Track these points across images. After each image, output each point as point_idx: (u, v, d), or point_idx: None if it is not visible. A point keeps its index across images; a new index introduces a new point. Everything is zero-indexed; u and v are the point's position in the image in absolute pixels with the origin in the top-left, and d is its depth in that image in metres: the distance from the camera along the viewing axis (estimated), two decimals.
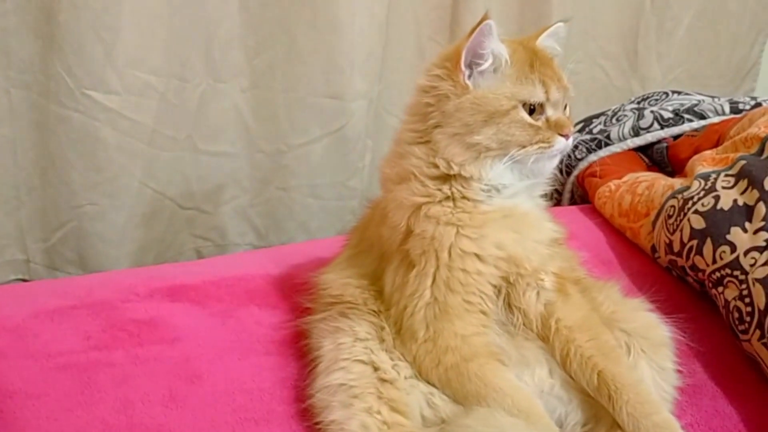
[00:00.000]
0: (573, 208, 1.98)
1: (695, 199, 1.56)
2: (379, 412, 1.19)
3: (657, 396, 1.27)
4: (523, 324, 1.29)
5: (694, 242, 1.52)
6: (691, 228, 1.53)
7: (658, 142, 2.02)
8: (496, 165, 1.24)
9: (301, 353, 1.32)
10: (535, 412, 1.20)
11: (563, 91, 1.27)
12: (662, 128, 2.00)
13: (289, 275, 1.49)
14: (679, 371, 1.35)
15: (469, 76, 1.24)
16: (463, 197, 1.25)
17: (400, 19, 2.32)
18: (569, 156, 2.07)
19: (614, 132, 2.03)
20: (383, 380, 1.22)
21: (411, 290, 1.25)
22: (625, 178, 1.86)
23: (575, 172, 2.06)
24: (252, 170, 2.30)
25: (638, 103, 2.08)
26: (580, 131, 2.09)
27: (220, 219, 2.31)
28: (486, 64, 1.23)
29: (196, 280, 1.50)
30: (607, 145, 2.03)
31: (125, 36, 2.04)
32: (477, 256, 1.24)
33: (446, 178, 1.25)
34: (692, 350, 1.43)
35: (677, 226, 1.57)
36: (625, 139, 2.02)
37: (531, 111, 1.24)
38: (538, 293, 1.29)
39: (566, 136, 1.25)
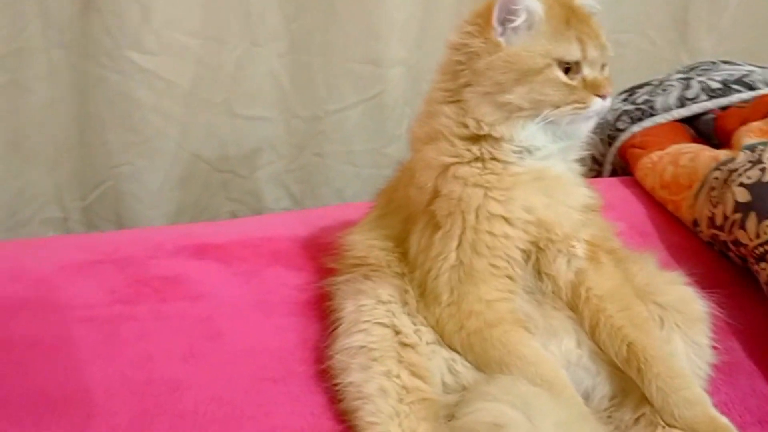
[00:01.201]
0: (613, 179, 1.93)
1: (740, 171, 1.50)
2: (398, 376, 1.16)
3: (690, 372, 1.22)
4: (553, 292, 1.26)
5: (738, 216, 1.46)
6: (735, 201, 1.48)
7: (705, 113, 1.95)
8: (528, 125, 1.20)
9: (323, 314, 1.29)
10: (559, 382, 1.17)
11: (601, 50, 1.22)
12: (709, 99, 1.93)
13: (317, 237, 1.47)
14: (715, 348, 1.29)
15: (502, 33, 1.19)
16: (493, 158, 1.21)
17: None
18: (611, 126, 2.01)
19: (659, 102, 1.97)
20: (404, 344, 1.20)
21: (436, 252, 1.22)
22: (668, 150, 1.81)
23: (617, 143, 2.00)
24: (288, 135, 2.28)
25: (685, 72, 2.02)
26: (623, 101, 2.03)
27: (256, 183, 2.31)
28: (519, 21, 1.18)
29: (223, 239, 1.49)
30: (651, 115, 1.97)
31: None
32: (505, 218, 1.20)
33: (476, 138, 1.22)
34: (730, 327, 1.38)
35: (721, 198, 1.52)
36: (670, 109, 1.96)
37: (566, 70, 1.20)
38: (569, 260, 1.24)
39: (603, 97, 1.20)
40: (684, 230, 1.68)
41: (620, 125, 2.00)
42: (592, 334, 1.23)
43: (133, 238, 1.52)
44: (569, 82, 1.19)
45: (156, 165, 2.17)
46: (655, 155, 1.83)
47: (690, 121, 1.98)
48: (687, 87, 1.96)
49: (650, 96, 2.00)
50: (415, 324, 1.23)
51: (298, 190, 2.36)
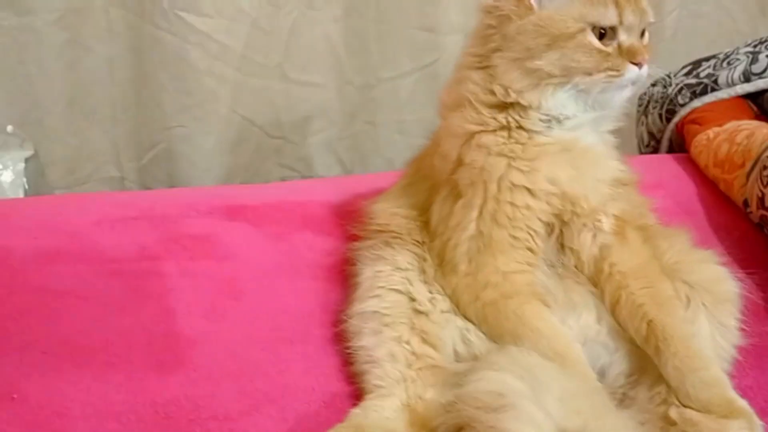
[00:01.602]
0: (667, 156, 1.88)
1: None
2: (408, 342, 1.17)
3: (712, 353, 1.20)
4: (575, 266, 1.23)
5: None
6: None
7: None
8: (558, 93, 1.17)
9: (345, 279, 1.31)
10: (572, 357, 1.15)
11: (640, 15, 1.17)
12: None
13: (349, 204, 1.47)
14: (743, 330, 1.25)
15: None
16: (520, 127, 1.19)
17: None
18: (671, 101, 1.95)
19: (723, 76, 1.89)
20: (418, 311, 1.20)
21: (456, 221, 1.21)
22: (725, 126, 1.75)
23: (675, 119, 1.94)
24: (340, 103, 2.29)
25: (754, 46, 1.92)
26: (686, 74, 1.96)
27: (307, 150, 2.33)
28: None
29: (256, 201, 1.51)
30: (713, 90, 1.89)
31: None
32: (528, 189, 1.18)
33: (503, 106, 1.19)
34: (766, 310, 1.34)
35: None
36: (734, 84, 1.88)
37: (601, 35, 1.15)
38: (594, 235, 1.22)
39: (639, 65, 1.16)
40: (734, 210, 1.63)
41: (681, 100, 1.94)
42: (613, 310, 1.21)
43: (168, 196, 1.56)
44: (603, 48, 1.15)
45: (208, 128, 2.21)
46: (711, 132, 1.77)
47: (755, 97, 1.90)
48: (754, 61, 1.88)
49: (714, 70, 1.93)
50: (431, 292, 1.23)
51: (348, 158, 2.37)
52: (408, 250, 1.27)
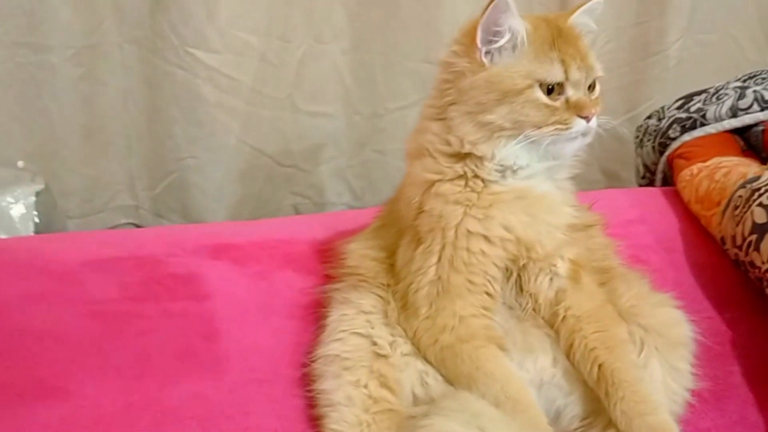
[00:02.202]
0: (655, 190, 1.89)
1: (762, 190, 1.45)
2: (366, 386, 1.21)
3: (663, 397, 1.22)
4: (533, 309, 1.26)
5: (753, 237, 1.42)
6: (753, 221, 1.43)
7: (756, 124, 1.87)
8: (510, 145, 1.21)
9: (316, 320, 1.34)
10: (524, 400, 1.19)
11: (586, 70, 1.21)
12: (762, 110, 1.85)
13: (332, 241, 1.51)
14: (696, 374, 1.28)
15: (487, 53, 1.20)
16: (476, 176, 1.24)
17: None
18: (663, 134, 1.96)
19: (711, 111, 1.90)
20: (378, 355, 1.24)
21: (416, 266, 1.25)
22: (708, 162, 1.76)
23: (667, 152, 1.95)
24: (349, 131, 2.34)
25: (744, 81, 1.93)
26: (678, 108, 1.97)
27: (318, 178, 2.38)
28: (502, 41, 1.19)
29: (242, 240, 1.55)
30: (702, 125, 1.90)
31: None
32: (483, 236, 1.22)
33: (460, 156, 1.24)
34: (734, 351, 1.35)
35: (741, 217, 1.47)
36: (721, 119, 1.89)
37: (549, 91, 1.20)
38: (551, 279, 1.26)
39: (587, 118, 1.20)
40: (713, 247, 1.64)
41: (671, 134, 1.95)
42: (567, 353, 1.25)
43: (158, 235, 1.61)
44: (551, 103, 1.19)
45: (219, 158, 2.27)
46: (695, 167, 1.78)
47: (742, 131, 1.90)
48: (742, 96, 1.88)
49: (704, 104, 1.94)
50: (393, 335, 1.27)
51: (358, 185, 2.41)
52: (373, 293, 1.31)
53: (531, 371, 1.25)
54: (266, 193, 2.34)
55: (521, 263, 1.24)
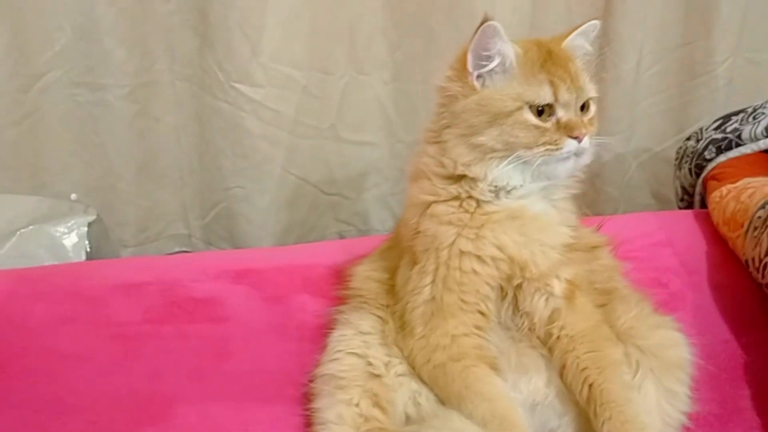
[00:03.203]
0: (688, 212, 1.87)
1: None
2: (357, 405, 1.24)
3: (657, 420, 1.22)
4: (529, 329, 1.28)
5: None
6: None
7: None
8: (502, 166, 1.24)
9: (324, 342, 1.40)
10: (511, 420, 1.20)
11: (576, 91, 1.23)
12: None
13: (351, 266, 1.56)
14: (694, 397, 1.27)
15: (478, 77, 1.24)
16: (470, 197, 1.27)
17: (549, 6, 2.28)
18: (699, 156, 1.94)
19: (746, 131, 1.87)
20: (372, 375, 1.28)
21: (412, 286, 1.29)
22: (738, 183, 1.73)
23: (703, 174, 1.93)
24: (392, 159, 2.39)
25: None
26: (715, 129, 1.94)
27: (363, 205, 2.43)
28: (492, 65, 1.23)
29: (264, 265, 1.61)
30: (738, 145, 1.87)
31: (269, 33, 2.20)
32: (475, 256, 1.25)
33: (455, 177, 1.27)
34: (747, 375, 1.34)
35: (758, 239, 1.45)
36: (756, 139, 1.85)
37: (540, 112, 1.22)
38: (546, 299, 1.27)
39: (578, 138, 1.22)
40: (738, 270, 1.61)
41: (707, 155, 1.93)
42: (561, 374, 1.26)
43: (185, 261, 1.69)
44: (540, 124, 1.22)
45: (264, 188, 2.35)
46: (725, 188, 1.76)
47: None
48: None
49: (740, 124, 1.91)
50: (389, 356, 1.30)
51: (401, 211, 2.44)
52: (373, 314, 1.35)
53: (524, 392, 1.26)
54: (311, 220, 2.41)
55: (516, 283, 1.26)
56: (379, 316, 1.34)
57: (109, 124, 2.28)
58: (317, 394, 1.28)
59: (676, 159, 2.08)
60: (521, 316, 1.28)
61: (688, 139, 2.05)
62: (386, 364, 1.29)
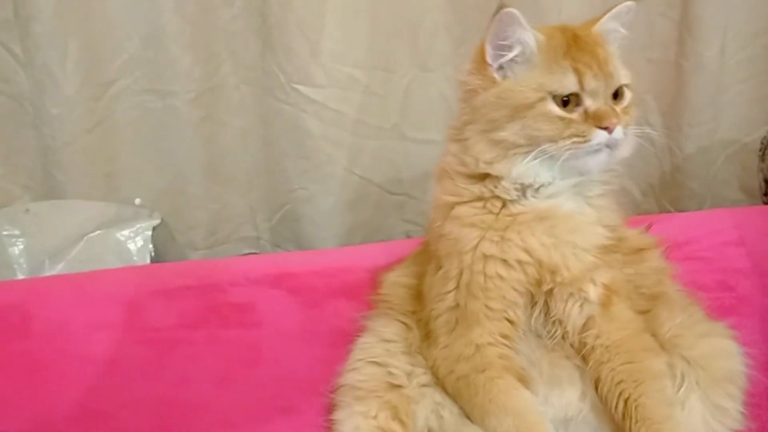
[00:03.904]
0: (765, 208, 1.73)
1: None
2: (375, 417, 1.18)
3: None
4: (562, 338, 1.20)
5: None
6: None
7: None
8: (528, 162, 1.16)
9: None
10: None
11: (605, 78, 1.14)
12: None
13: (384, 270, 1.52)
14: (746, 413, 1.15)
15: (499, 69, 1.17)
16: (494, 197, 1.19)
17: None
18: None
19: None
20: (392, 385, 1.22)
21: (435, 293, 1.23)
22: None
23: None
24: None
25: None
26: None
27: (429, 205, 2.37)
28: (512, 54, 1.16)
29: (303, 269, 1.59)
30: None
31: (328, 33, 2.19)
32: (501, 260, 1.17)
33: (479, 176, 1.20)
34: None
35: None
36: None
37: (566, 103, 1.14)
38: (581, 305, 1.18)
39: (608, 129, 1.13)
40: None
41: None
42: (596, 386, 1.16)
43: (228, 265, 1.67)
44: (566, 115, 1.14)
45: (327, 189, 2.33)
46: None
47: None
48: None
49: None
50: (412, 365, 1.24)
51: None
52: (398, 320, 1.29)
53: (556, 406, 1.17)
54: (376, 221, 2.37)
55: (546, 288, 1.17)
56: (404, 323, 1.28)
57: (177, 129, 2.31)
58: (336, 404, 1.23)
59: (761, 149, 1.94)
60: (553, 324, 1.19)
61: None
62: (408, 374, 1.22)
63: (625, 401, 1.12)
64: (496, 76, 1.15)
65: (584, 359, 1.17)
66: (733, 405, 1.16)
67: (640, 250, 1.26)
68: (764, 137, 1.92)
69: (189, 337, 1.42)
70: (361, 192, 2.33)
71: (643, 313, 1.22)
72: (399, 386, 1.21)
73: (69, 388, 1.34)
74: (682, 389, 1.16)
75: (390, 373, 1.22)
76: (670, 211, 2.32)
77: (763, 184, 1.92)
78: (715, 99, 2.22)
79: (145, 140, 2.30)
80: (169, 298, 1.51)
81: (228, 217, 2.40)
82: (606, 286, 1.17)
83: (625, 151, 1.17)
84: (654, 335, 1.20)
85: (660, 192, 2.37)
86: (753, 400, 1.18)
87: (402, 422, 1.17)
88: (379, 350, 1.24)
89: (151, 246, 2.10)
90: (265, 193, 2.37)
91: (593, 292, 1.17)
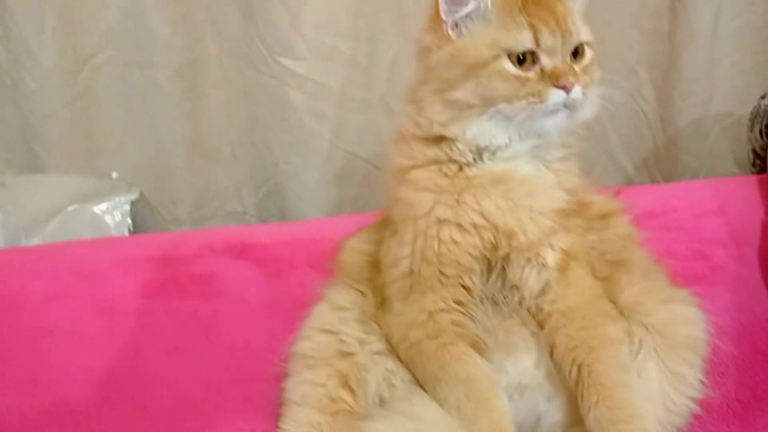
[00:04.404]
0: (749, 178, 1.68)
1: None
2: (324, 385, 1.15)
3: (659, 406, 1.07)
4: (519, 304, 1.15)
5: None
6: None
7: None
8: (483, 123, 1.11)
9: None
10: (488, 406, 1.08)
11: (562, 35, 1.09)
12: None
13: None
14: (704, 381, 1.10)
15: (454, 26, 1.12)
16: (450, 160, 1.14)
17: None
18: None
19: None
20: (344, 353, 1.18)
21: (391, 258, 1.18)
22: None
23: None
24: None
25: None
26: None
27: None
28: (466, 10, 1.10)
29: (271, 240, 1.55)
30: None
31: (310, 3, 2.13)
32: (456, 224, 1.12)
33: (434, 139, 1.15)
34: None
35: None
36: None
37: (522, 61, 1.09)
38: (539, 271, 1.13)
39: (564, 88, 1.07)
40: None
41: None
42: (551, 353, 1.12)
43: (196, 237, 1.63)
44: (521, 74, 1.08)
45: (312, 163, 2.28)
46: None
47: None
48: None
49: None
50: (366, 333, 1.20)
51: None
52: (354, 288, 1.25)
53: (511, 373, 1.13)
54: (363, 196, 2.32)
55: (503, 253, 1.12)
56: (360, 291, 1.23)
57: (158, 102, 2.27)
58: (288, 373, 1.19)
59: (750, 119, 1.87)
60: (511, 290, 1.14)
61: (763, 97, 1.84)
62: (361, 342, 1.18)
63: (579, 367, 1.07)
64: (451, 33, 1.10)
65: (540, 325, 1.12)
66: (691, 372, 1.12)
67: (606, 215, 1.21)
68: (754, 107, 1.85)
69: (146, 308, 1.39)
70: (347, 166, 2.28)
71: (605, 279, 1.16)
72: (350, 354, 1.17)
73: (22, 360, 1.30)
74: (639, 356, 1.11)
75: (342, 341, 1.18)
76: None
77: (751, 154, 1.85)
78: (709, 70, 2.15)
79: (127, 114, 2.26)
80: (130, 269, 1.48)
81: (213, 192, 2.36)
82: (564, 251, 1.12)
83: (586, 112, 1.12)
84: (614, 302, 1.15)
85: (653, 165, 2.30)
86: (717, 369, 1.12)
87: (352, 390, 1.14)
88: (333, 318, 1.20)
89: (129, 220, 2.06)
90: (250, 167, 2.33)
91: (551, 258, 1.12)
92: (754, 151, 1.82)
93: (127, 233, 2.03)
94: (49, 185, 2.11)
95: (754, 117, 1.82)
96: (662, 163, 2.30)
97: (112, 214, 2.05)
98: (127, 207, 2.06)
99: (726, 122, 2.25)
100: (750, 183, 1.65)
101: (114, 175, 2.13)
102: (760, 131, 1.77)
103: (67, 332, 1.35)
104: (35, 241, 2.03)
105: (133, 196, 2.09)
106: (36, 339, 1.34)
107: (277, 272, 1.46)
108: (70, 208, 2.07)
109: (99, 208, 2.05)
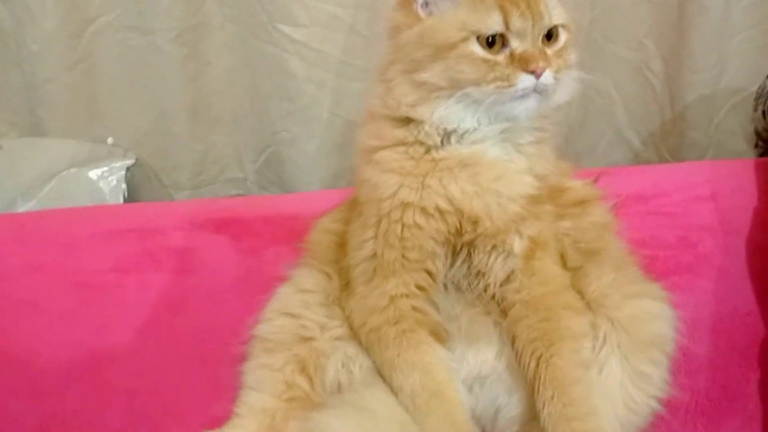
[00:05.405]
0: (746, 161, 1.60)
1: None
2: (281, 370, 1.14)
3: (620, 405, 1.04)
4: (484, 292, 1.12)
5: None
6: None
7: None
8: (451, 106, 1.07)
9: None
10: (443, 397, 1.06)
11: (533, 18, 1.05)
12: None
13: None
14: (669, 381, 1.07)
15: (425, 5, 1.08)
16: (417, 142, 1.11)
17: None
18: None
19: None
20: (303, 338, 1.16)
21: (355, 241, 1.16)
22: None
23: None
24: None
25: None
26: None
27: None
28: None
29: (252, 214, 1.52)
30: None
31: None
32: (420, 208, 1.09)
33: (402, 120, 1.12)
34: (762, 356, 1.13)
35: None
36: None
37: (491, 44, 1.05)
38: (504, 259, 1.10)
39: (534, 73, 1.04)
40: None
41: None
42: (512, 344, 1.09)
43: (177, 209, 1.62)
44: (490, 57, 1.04)
45: (311, 132, 2.26)
46: None
47: None
48: None
49: None
50: (328, 317, 1.18)
51: None
52: (320, 270, 1.23)
53: (472, 363, 1.10)
54: None
55: (468, 238, 1.09)
56: (326, 273, 1.21)
57: (160, 67, 2.24)
58: (246, 355, 1.18)
59: (754, 99, 1.81)
60: (476, 276, 1.11)
61: None
62: (322, 327, 1.16)
63: (537, 360, 1.05)
64: (421, 12, 1.07)
65: (504, 315, 1.09)
66: (656, 371, 1.08)
67: (582, 202, 1.17)
68: (759, 86, 1.79)
69: (118, 282, 1.38)
70: (346, 136, 2.24)
71: (575, 269, 1.12)
72: (310, 339, 1.15)
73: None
74: (602, 352, 1.08)
75: (302, 326, 1.16)
76: (668, 161, 2.20)
77: (754, 136, 1.79)
78: (720, 44, 2.08)
79: (129, 78, 2.24)
80: (108, 241, 1.46)
81: (214, 158, 2.35)
82: (532, 239, 1.09)
83: (560, 96, 1.08)
84: (581, 293, 1.12)
85: (660, 141, 2.24)
86: (689, 366, 1.09)
87: (309, 377, 1.12)
88: (295, 301, 1.19)
89: (124, 186, 2.06)
90: (250, 134, 2.31)
91: (518, 245, 1.09)
92: (757, 132, 1.76)
93: (121, 199, 2.03)
94: (46, 149, 2.11)
95: (758, 97, 1.76)
96: (670, 139, 2.24)
97: (107, 180, 2.04)
98: (123, 173, 2.05)
99: (736, 98, 2.18)
100: (746, 167, 1.59)
101: (109, 140, 2.12)
102: (764, 112, 1.71)
103: (37, 304, 1.34)
104: (30, 205, 2.03)
105: (129, 161, 2.08)
106: (8, 310, 1.33)
107: (253, 249, 1.44)
108: (65, 173, 2.06)
109: (94, 173, 2.05)
